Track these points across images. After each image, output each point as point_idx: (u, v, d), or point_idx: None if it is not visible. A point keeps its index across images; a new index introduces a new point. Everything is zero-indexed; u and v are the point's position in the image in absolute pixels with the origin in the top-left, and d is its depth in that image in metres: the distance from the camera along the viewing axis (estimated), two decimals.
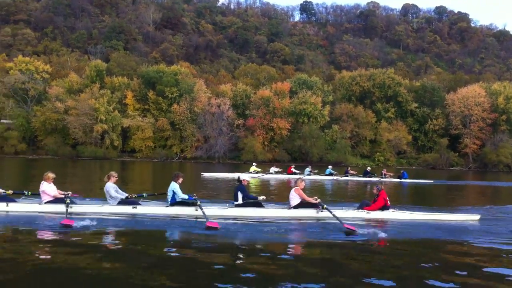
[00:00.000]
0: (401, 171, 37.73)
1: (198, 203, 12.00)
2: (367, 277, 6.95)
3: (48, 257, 7.83)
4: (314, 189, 25.29)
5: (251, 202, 12.60)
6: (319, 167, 68.57)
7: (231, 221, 11.56)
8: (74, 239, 9.22)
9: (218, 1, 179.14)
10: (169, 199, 12.45)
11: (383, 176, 35.28)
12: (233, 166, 53.59)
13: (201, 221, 10.97)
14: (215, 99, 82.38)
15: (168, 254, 8.36)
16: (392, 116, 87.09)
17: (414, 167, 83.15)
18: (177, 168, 51.73)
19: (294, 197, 12.61)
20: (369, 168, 38.54)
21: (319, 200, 12.62)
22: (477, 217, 12.83)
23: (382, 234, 10.31)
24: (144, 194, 13.30)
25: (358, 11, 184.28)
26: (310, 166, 38.66)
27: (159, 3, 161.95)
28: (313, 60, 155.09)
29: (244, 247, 9.09)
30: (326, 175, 35.58)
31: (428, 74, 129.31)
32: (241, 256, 8.31)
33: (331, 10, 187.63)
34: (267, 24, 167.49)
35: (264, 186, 26.56)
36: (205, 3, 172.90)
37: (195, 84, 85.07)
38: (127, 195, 12.55)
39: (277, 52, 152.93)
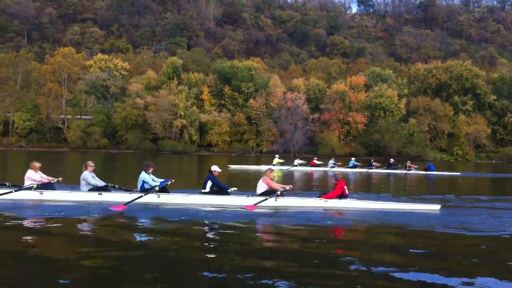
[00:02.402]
0: (427, 164, 37.48)
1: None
2: (310, 263, 7.18)
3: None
4: (363, 181, 26.23)
5: (216, 190, 12.92)
6: (398, 161, 68.16)
7: (194, 208, 12.00)
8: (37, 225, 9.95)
9: None
10: (139, 188, 13.02)
11: (407, 168, 35.00)
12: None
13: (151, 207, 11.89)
14: (290, 93, 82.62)
15: (106, 236, 8.96)
16: (469, 109, 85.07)
17: (493, 161, 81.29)
18: (254, 161, 52.61)
19: (261, 186, 12.93)
20: (392, 160, 38.49)
21: (289, 187, 13.04)
22: (437, 207, 12.76)
23: (334, 221, 10.80)
24: (116, 186, 13.76)
25: (417, 2, 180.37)
26: (333, 158, 39.50)
27: None
28: (372, 53, 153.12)
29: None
30: (350, 167, 35.90)
31: (497, 66, 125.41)
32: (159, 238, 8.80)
33: (390, 1, 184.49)
34: (326, 17, 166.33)
35: (287, 178, 26.80)
36: None
37: (270, 79, 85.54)
38: (105, 184, 13.19)
39: (336, 45, 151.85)
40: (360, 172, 33.90)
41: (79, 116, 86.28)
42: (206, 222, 10.63)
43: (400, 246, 8.73)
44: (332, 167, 35.78)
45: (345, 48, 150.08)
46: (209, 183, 12.92)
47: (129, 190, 13.39)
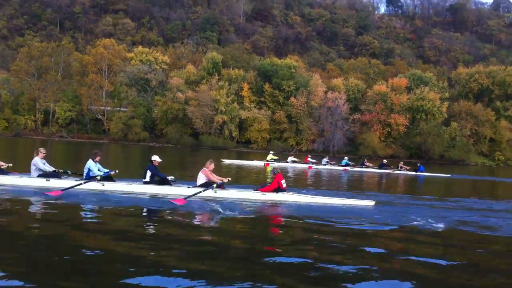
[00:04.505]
0: (418, 165, 38.13)
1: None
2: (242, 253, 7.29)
3: None
4: (329, 178, 27.14)
5: (158, 180, 13.29)
6: (440, 165, 67.86)
7: (135, 196, 12.36)
8: None
9: None
10: (84, 175, 13.30)
11: (399, 168, 35.56)
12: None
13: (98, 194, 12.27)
14: (331, 93, 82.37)
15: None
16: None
17: None
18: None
19: (200, 177, 13.23)
20: (385, 161, 39.10)
21: (228, 179, 13.36)
22: (372, 203, 13.08)
23: (268, 213, 11.39)
24: (69, 171, 14.07)
25: (447, 4, 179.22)
26: (327, 157, 40.02)
27: None
28: (401, 54, 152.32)
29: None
30: (342, 165, 36.34)
31: None
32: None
33: (419, 3, 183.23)
34: (355, 17, 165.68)
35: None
36: None
37: (311, 78, 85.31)
38: (54, 169, 13.48)
39: (365, 45, 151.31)
40: (353, 171, 34.34)
41: (118, 108, 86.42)
42: (144, 210, 10.92)
43: (319, 239, 8.81)
44: (325, 164, 36.26)
45: (374, 49, 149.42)
46: (148, 173, 13.33)
47: (80, 176, 13.77)
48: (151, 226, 9.37)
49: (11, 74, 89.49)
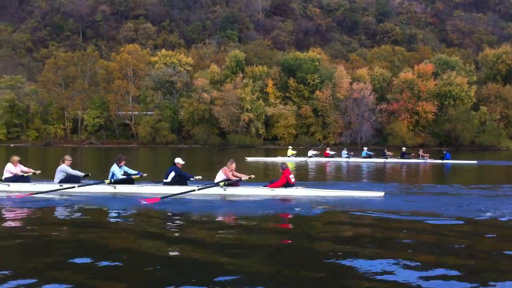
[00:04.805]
0: (444, 152, 36.66)
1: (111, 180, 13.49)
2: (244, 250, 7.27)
3: None
4: (350, 170, 27.26)
5: (179, 180, 13.43)
6: (470, 152, 66.80)
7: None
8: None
9: None
10: (110, 179, 13.61)
11: (420, 157, 34.65)
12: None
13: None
14: (357, 84, 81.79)
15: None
16: None
17: None
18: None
19: (219, 176, 13.38)
20: (404, 149, 38.24)
21: (251, 176, 13.41)
22: (381, 193, 13.05)
23: (278, 208, 11.43)
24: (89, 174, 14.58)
25: None
26: (346, 149, 39.22)
27: None
28: (423, 39, 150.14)
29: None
30: (364, 157, 35.83)
31: None
32: None
33: None
34: (374, 4, 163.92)
35: (301, 169, 27.10)
36: None
37: (335, 70, 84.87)
38: (83, 174, 14.02)
39: (387, 33, 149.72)
40: (376, 163, 33.53)
41: (145, 112, 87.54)
42: (162, 211, 10.87)
43: (333, 230, 8.88)
44: (347, 157, 35.65)
45: (396, 36, 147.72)
46: (172, 174, 13.51)
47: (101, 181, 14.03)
48: (160, 226, 9.45)
49: (39, 85, 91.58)
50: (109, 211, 10.92)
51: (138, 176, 14.02)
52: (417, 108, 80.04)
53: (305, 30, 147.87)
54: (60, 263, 6.40)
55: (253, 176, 13.63)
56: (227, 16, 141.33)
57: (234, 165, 13.63)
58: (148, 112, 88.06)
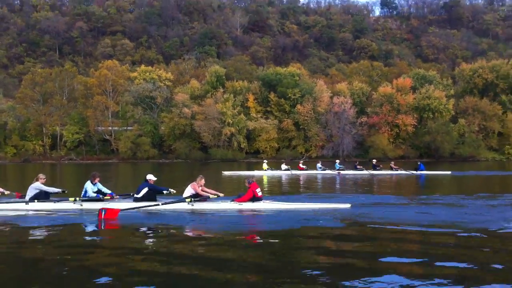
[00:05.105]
0: (418, 163, 37.17)
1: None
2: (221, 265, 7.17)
3: None
4: (324, 182, 27.48)
5: (149, 195, 13.30)
6: (450, 163, 67.68)
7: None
8: None
9: (299, 1, 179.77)
10: (82, 195, 13.53)
11: (392, 169, 35.31)
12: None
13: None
14: (337, 98, 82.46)
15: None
16: None
17: None
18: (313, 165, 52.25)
19: (187, 190, 13.38)
20: (374, 161, 38.47)
21: (221, 195, 13.53)
22: (347, 205, 13.18)
23: (245, 223, 11.46)
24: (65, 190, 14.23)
25: (441, 2, 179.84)
26: (320, 162, 39.80)
27: (244, 8, 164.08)
28: (399, 55, 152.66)
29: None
30: (336, 170, 36.12)
31: None
32: None
33: (413, 2, 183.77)
34: (351, 21, 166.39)
35: (275, 182, 27.34)
36: (288, 4, 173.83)
37: (316, 84, 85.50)
38: (59, 190, 13.91)
39: (364, 49, 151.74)
40: (348, 175, 33.91)
41: (125, 128, 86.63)
42: (129, 225, 10.86)
43: (299, 243, 8.98)
44: (323, 169, 36.14)
45: (372, 51, 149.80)
46: (145, 190, 13.33)
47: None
48: (125, 241, 9.35)
49: (16, 102, 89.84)
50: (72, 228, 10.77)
51: (111, 196, 13.72)
52: (397, 121, 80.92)
53: (283, 46, 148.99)
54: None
55: (222, 194, 13.63)
56: (205, 32, 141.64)
57: (203, 181, 13.59)
58: (129, 128, 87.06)
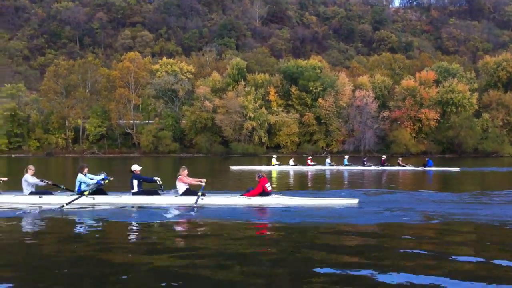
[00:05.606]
0: (426, 159, 37.27)
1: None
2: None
3: None
4: (332, 177, 27.81)
5: (145, 190, 13.46)
6: (473, 158, 67.00)
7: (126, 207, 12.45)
8: None
9: None
10: (76, 190, 13.26)
11: (400, 165, 35.40)
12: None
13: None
14: (359, 91, 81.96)
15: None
16: None
17: None
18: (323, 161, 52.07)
19: (179, 186, 13.31)
20: (384, 157, 39.42)
21: (204, 180, 13.43)
22: (355, 201, 13.25)
23: (254, 217, 11.50)
24: (62, 186, 13.94)
25: None
26: (329, 157, 40.29)
27: None
28: (419, 47, 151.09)
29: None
30: (345, 165, 36.58)
31: None
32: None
33: None
34: (370, 12, 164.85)
35: (283, 178, 27.27)
36: None
37: (337, 77, 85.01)
38: (42, 180, 13.49)
39: (383, 40, 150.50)
40: (356, 170, 34.08)
41: (147, 121, 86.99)
42: (133, 222, 10.81)
43: (308, 238, 8.95)
44: (331, 165, 36.34)
45: (392, 43, 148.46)
46: (135, 182, 13.32)
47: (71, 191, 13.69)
48: (138, 237, 9.35)
49: (39, 94, 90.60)
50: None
51: (106, 180, 13.65)
52: (419, 115, 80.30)
53: (302, 37, 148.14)
54: None
55: (204, 180, 13.57)
56: (224, 24, 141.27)
57: (186, 171, 13.57)
58: (150, 121, 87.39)
